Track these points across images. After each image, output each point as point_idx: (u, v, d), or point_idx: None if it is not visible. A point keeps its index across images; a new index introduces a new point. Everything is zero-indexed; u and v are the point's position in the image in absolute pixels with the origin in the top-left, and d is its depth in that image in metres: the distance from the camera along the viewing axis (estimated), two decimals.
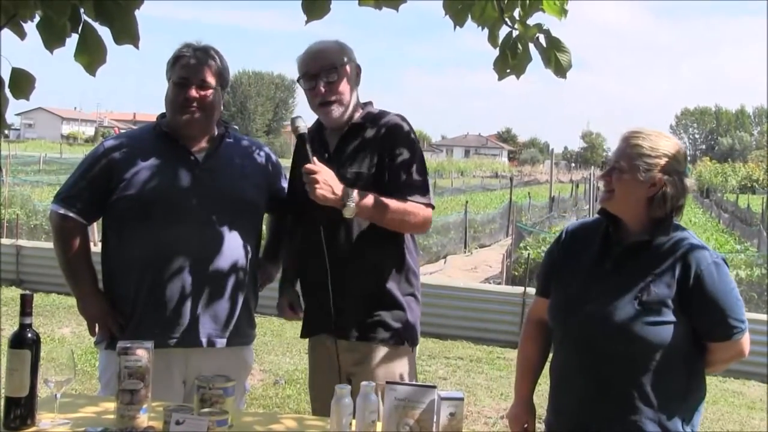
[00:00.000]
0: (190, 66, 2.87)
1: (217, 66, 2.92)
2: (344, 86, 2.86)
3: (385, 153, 2.84)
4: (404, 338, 2.87)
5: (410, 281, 2.93)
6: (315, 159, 2.69)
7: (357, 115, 2.92)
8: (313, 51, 2.89)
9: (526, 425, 2.64)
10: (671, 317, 2.27)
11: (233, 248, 2.88)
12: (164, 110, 2.97)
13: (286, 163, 3.23)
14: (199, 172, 2.88)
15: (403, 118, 2.92)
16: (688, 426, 2.35)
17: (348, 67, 2.88)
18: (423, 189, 2.85)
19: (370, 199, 2.73)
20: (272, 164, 3.11)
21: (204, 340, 2.85)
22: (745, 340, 2.35)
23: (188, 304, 2.81)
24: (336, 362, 2.83)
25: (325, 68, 2.83)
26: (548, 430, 2.53)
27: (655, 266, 2.32)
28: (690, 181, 2.39)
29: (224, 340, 2.89)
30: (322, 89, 2.83)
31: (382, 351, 2.84)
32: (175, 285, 2.80)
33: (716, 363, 2.41)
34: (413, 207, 2.81)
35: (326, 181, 2.66)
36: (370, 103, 2.99)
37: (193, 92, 2.85)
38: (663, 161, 2.33)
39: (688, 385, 2.36)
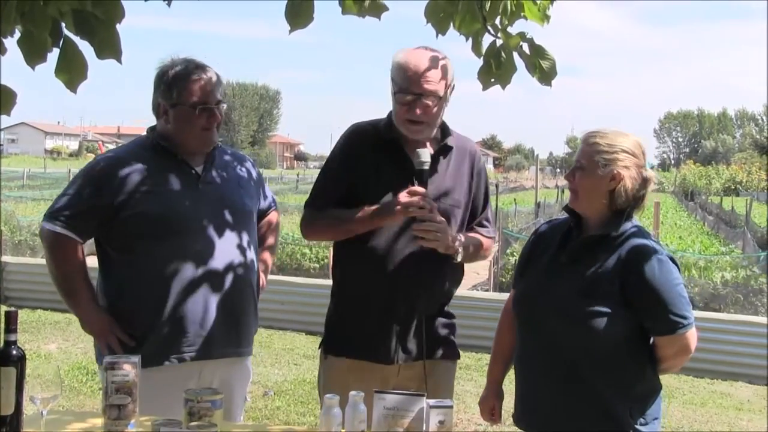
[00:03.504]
0: (209, 89, 2.84)
1: (220, 79, 2.91)
2: (438, 111, 2.75)
3: (473, 183, 2.87)
4: (458, 351, 2.93)
5: (453, 295, 2.95)
6: (435, 208, 2.65)
7: (436, 131, 2.83)
8: (421, 68, 2.67)
9: (493, 410, 2.77)
10: (614, 310, 2.38)
11: (243, 259, 2.91)
12: (153, 123, 2.94)
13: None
14: (202, 186, 2.89)
15: (472, 141, 2.97)
16: (640, 417, 2.45)
17: (448, 92, 2.77)
18: (493, 220, 2.98)
19: (469, 242, 2.79)
20: (254, 180, 3.12)
21: (222, 351, 2.86)
22: (691, 335, 2.44)
23: (207, 317, 2.82)
24: (390, 383, 2.73)
25: (428, 93, 2.68)
26: (515, 423, 2.65)
27: (603, 261, 2.44)
28: (650, 173, 2.51)
29: (240, 350, 2.94)
30: (418, 111, 2.69)
31: (442, 366, 2.85)
32: (194, 299, 2.80)
33: (666, 359, 2.50)
34: (486, 243, 2.91)
35: (445, 230, 2.67)
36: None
37: (218, 116, 2.87)
38: (621, 156, 2.46)
39: (635, 377, 2.46)
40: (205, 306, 2.81)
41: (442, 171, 2.81)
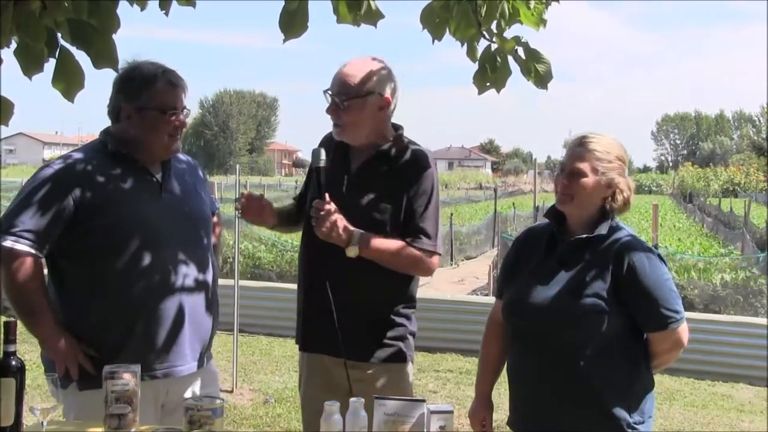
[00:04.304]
0: (178, 94, 2.78)
1: (187, 85, 2.85)
2: (354, 117, 2.79)
3: (406, 189, 2.81)
4: (406, 355, 2.89)
5: (412, 296, 2.93)
6: (327, 196, 2.69)
7: (385, 141, 2.86)
8: (342, 72, 2.81)
9: (484, 421, 2.74)
10: (607, 309, 2.40)
11: (207, 267, 2.86)
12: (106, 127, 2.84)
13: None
14: (165, 194, 2.81)
15: (427, 156, 2.90)
16: (636, 414, 2.46)
17: (369, 99, 2.79)
18: (433, 235, 2.81)
19: (374, 244, 2.73)
20: (206, 185, 3.08)
21: (194, 365, 2.82)
22: (682, 330, 2.47)
23: (177, 332, 2.74)
24: (336, 379, 2.79)
25: (340, 93, 2.78)
26: (510, 427, 2.65)
27: (593, 261, 2.46)
28: (630, 180, 2.55)
29: (206, 359, 2.90)
30: (332, 110, 2.82)
31: (386, 369, 2.83)
32: (162, 314, 2.71)
33: (660, 354, 2.52)
34: (417, 255, 2.78)
35: (334, 221, 2.66)
36: (401, 129, 2.92)
37: (183, 120, 2.80)
38: (616, 164, 2.50)
39: (631, 374, 2.47)
40: (174, 321, 2.72)
41: (375, 175, 2.83)
